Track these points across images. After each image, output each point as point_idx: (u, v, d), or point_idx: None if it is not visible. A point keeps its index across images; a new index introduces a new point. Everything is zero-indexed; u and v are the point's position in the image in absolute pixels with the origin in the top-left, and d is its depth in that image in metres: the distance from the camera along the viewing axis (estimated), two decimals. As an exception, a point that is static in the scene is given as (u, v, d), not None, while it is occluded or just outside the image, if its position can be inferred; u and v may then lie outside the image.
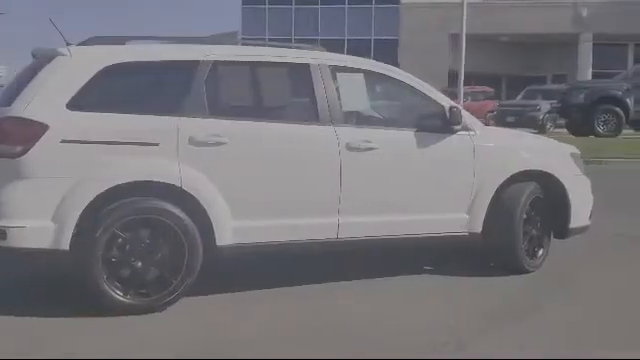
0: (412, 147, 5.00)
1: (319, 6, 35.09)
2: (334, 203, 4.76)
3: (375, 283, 5.06)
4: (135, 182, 4.25)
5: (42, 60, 4.48)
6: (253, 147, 4.56)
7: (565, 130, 19.88)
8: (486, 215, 5.18)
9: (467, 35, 20.82)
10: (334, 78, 4.86)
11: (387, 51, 30.57)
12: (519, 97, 25.86)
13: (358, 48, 26.40)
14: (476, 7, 25.10)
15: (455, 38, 27.99)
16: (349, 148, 4.75)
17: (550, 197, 5.46)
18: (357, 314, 4.39)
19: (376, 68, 5.15)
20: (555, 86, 26.35)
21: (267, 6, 36.09)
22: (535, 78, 33.64)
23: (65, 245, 4.13)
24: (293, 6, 35.34)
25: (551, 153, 5.66)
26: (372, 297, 4.76)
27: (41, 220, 4.11)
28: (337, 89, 4.84)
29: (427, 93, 5.18)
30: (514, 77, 35.37)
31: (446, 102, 5.17)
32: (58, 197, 4.12)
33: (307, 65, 4.83)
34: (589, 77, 30.91)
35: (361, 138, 4.81)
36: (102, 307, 4.22)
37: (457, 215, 5.16)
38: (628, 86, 18.13)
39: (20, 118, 4.13)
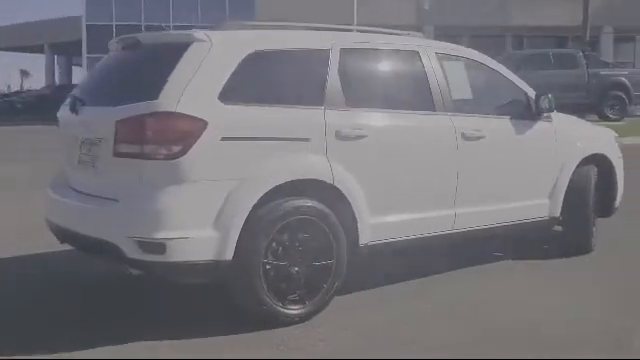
0: (511, 135, 5.06)
1: (170, -11, 33.57)
2: (451, 194, 4.69)
3: (475, 272, 5.06)
4: (295, 181, 3.90)
5: (166, 47, 3.95)
6: (388, 139, 4.37)
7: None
8: (563, 199, 5.38)
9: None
10: (441, 65, 4.77)
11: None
12: None
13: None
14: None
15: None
16: (464, 137, 4.70)
17: (603, 179, 5.77)
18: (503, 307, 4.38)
19: (473, 56, 5.12)
20: None
21: (113, -11, 33.80)
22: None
23: (229, 255, 3.70)
24: (142, -11, 33.47)
25: (605, 137, 5.95)
26: (490, 286, 4.74)
27: (205, 229, 3.64)
28: (445, 77, 4.76)
29: (515, 81, 5.25)
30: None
31: (531, 90, 5.28)
32: (220, 202, 3.68)
33: (417, 52, 4.70)
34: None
35: (472, 127, 4.78)
36: (260, 319, 3.85)
37: (542, 200, 5.29)
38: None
39: (176, 113, 3.61)
